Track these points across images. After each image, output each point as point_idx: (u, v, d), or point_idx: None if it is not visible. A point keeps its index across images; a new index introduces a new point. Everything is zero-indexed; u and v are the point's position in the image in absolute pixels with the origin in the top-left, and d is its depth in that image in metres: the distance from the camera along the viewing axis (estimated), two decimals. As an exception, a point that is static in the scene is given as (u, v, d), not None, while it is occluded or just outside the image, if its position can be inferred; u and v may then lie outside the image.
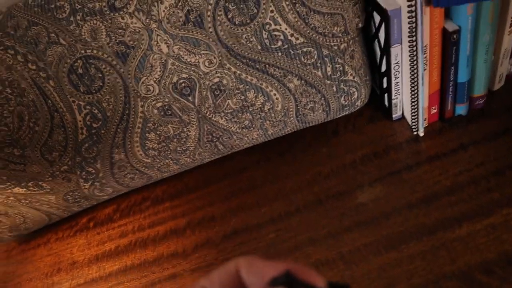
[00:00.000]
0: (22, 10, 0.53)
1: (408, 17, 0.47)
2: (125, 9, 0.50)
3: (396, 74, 0.57)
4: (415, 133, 0.60)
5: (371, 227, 0.55)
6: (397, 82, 0.58)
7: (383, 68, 0.58)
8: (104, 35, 0.51)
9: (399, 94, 0.59)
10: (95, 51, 0.52)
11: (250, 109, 0.57)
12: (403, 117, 0.63)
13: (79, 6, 0.51)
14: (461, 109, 0.59)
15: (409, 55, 0.51)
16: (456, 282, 0.47)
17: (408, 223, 0.53)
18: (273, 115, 0.58)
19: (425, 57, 0.52)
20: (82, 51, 0.52)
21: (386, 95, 0.61)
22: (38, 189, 0.64)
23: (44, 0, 0.52)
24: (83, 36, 0.51)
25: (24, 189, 0.64)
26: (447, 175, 0.55)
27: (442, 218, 0.52)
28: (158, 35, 0.51)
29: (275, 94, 0.56)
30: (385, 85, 0.60)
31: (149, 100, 0.55)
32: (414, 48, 0.50)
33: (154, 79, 0.53)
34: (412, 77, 0.53)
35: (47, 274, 0.70)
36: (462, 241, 0.50)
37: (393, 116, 0.63)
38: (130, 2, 0.50)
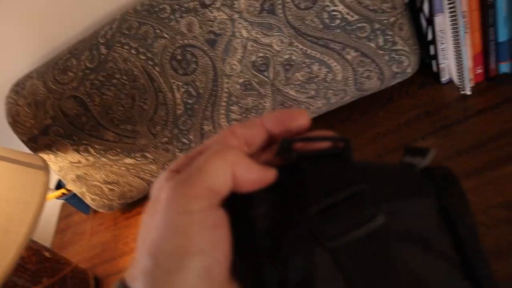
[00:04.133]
0: (132, 15, 0.68)
1: (447, -12, 0.56)
2: (213, 5, 0.63)
3: (441, 41, 0.65)
4: (462, 92, 0.68)
5: (426, 173, 0.63)
6: (443, 48, 0.66)
7: (429, 36, 0.67)
8: (197, 27, 0.65)
9: (446, 59, 0.68)
10: (190, 41, 0.65)
11: (315, 80, 0.68)
12: (451, 80, 0.71)
13: (177, 7, 0.65)
14: (505, 67, 0.66)
15: (450, 21, 0.59)
16: (503, 211, 0.55)
17: (458, 167, 0.61)
18: (334, 84, 0.69)
19: (466, 22, 0.60)
20: (181, 41, 0.66)
21: (434, 61, 0.70)
22: (143, 160, 0.79)
23: (149, 5, 0.67)
24: (181, 29, 0.65)
25: (133, 160, 0.79)
26: (494, 125, 0.63)
27: (489, 160, 0.60)
28: (239, 23, 0.63)
29: (335, 66, 0.67)
30: (432, 52, 0.69)
31: (232, 77, 0.68)
32: (455, 15, 0.58)
33: (237, 59, 0.66)
34: (455, 41, 0.61)
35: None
36: (508, 178, 0.57)
37: (442, 80, 0.71)
38: (216, -2, 0.63)
